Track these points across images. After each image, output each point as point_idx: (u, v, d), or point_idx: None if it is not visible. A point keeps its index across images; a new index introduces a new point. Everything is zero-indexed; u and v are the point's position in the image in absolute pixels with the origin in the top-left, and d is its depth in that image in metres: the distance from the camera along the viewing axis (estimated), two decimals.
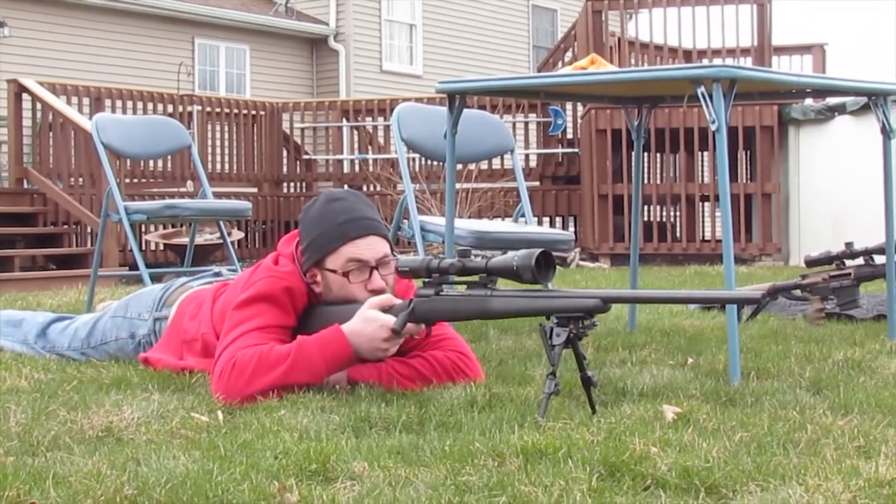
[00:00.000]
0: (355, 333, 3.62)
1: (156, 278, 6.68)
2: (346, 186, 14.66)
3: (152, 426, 3.16)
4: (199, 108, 14.92)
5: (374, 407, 3.36)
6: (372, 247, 3.80)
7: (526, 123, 14.78)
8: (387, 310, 3.67)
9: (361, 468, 2.69)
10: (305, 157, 15.85)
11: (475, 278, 3.57)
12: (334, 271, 3.77)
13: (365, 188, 14.53)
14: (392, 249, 3.87)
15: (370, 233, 3.81)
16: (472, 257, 3.58)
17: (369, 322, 3.62)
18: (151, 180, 14.28)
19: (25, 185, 13.14)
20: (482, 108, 11.17)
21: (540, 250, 3.36)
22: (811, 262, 5.87)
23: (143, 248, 13.15)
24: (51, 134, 13.02)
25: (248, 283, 3.81)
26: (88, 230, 12.58)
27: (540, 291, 3.45)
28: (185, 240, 11.83)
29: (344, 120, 15.19)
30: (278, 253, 3.92)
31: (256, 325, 3.70)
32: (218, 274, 4.66)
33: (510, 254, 3.41)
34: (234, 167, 15.27)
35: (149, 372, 3.94)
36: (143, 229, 13.15)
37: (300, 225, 3.91)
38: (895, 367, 4.17)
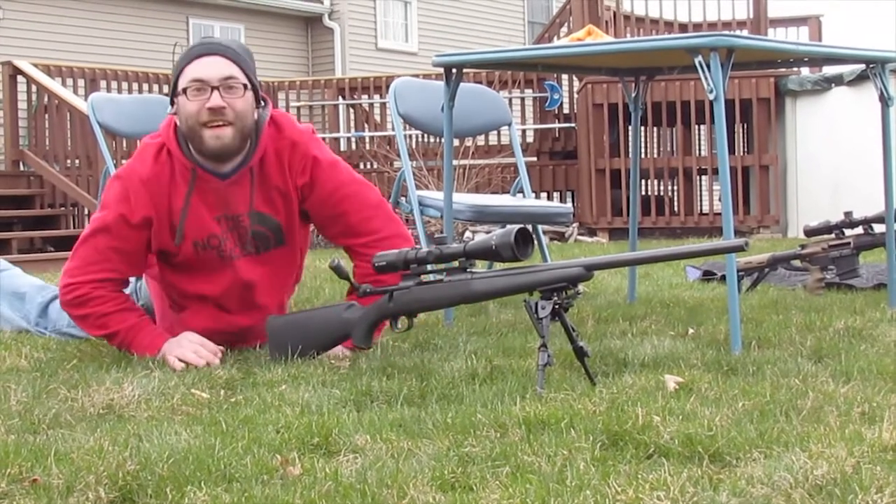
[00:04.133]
0: (174, 345, 3.84)
1: None
2: None
3: (153, 403, 3.16)
4: None
5: (376, 381, 3.36)
6: (214, 65, 3.86)
7: (522, 99, 14.74)
8: (352, 317, 3.78)
9: (364, 441, 2.69)
10: None
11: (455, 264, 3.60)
12: (182, 93, 3.85)
13: (362, 166, 14.51)
14: (248, 80, 3.88)
15: (214, 53, 3.87)
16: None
17: (191, 345, 3.82)
18: None
19: (22, 168, 13.12)
20: (478, 83, 11.15)
21: (518, 227, 3.39)
22: (810, 232, 5.86)
23: None
24: (46, 116, 12.99)
25: None
26: (86, 211, 12.56)
27: (521, 267, 3.46)
28: None
29: (340, 98, 15.15)
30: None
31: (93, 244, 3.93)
32: None
33: (487, 235, 3.43)
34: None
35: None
36: None
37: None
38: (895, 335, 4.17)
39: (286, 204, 4.01)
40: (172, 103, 3.91)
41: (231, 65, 3.86)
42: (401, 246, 3.80)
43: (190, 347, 3.78)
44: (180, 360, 3.72)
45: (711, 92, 3.99)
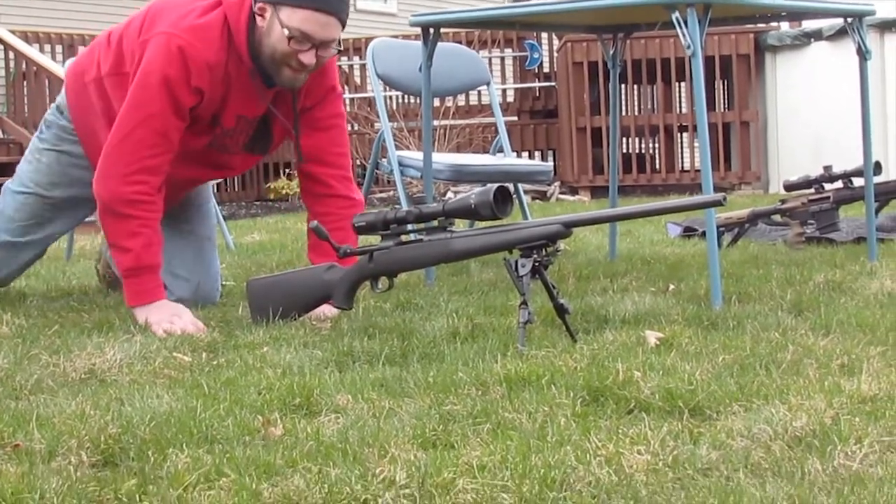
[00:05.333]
0: (154, 308, 3.84)
1: None
2: None
3: (135, 367, 3.16)
4: None
5: (357, 341, 3.37)
6: (327, 27, 3.80)
7: (502, 58, 14.70)
8: (332, 279, 3.77)
9: (345, 401, 2.70)
10: None
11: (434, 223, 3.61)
12: (282, 24, 3.77)
13: None
14: (340, 42, 3.89)
15: (334, 13, 3.81)
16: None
17: (180, 321, 3.78)
18: None
19: (1, 135, 13.06)
20: (457, 43, 11.13)
21: (497, 185, 3.41)
22: (790, 187, 5.87)
23: None
24: (25, 83, 12.93)
25: (145, 54, 3.86)
26: None
27: (500, 226, 3.48)
28: None
29: None
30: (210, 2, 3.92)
31: (144, 129, 3.83)
32: None
33: (466, 193, 3.44)
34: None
35: (131, 314, 3.92)
36: None
37: None
38: (875, 287, 4.19)
39: (288, 116, 4.04)
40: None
41: (338, 28, 3.84)
42: (354, 201, 4.07)
43: (179, 324, 3.74)
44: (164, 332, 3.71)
45: (689, 48, 3.99)
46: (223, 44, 3.84)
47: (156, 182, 3.87)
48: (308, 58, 3.79)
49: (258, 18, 3.82)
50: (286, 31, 3.75)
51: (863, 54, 4.91)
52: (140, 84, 3.84)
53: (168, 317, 3.77)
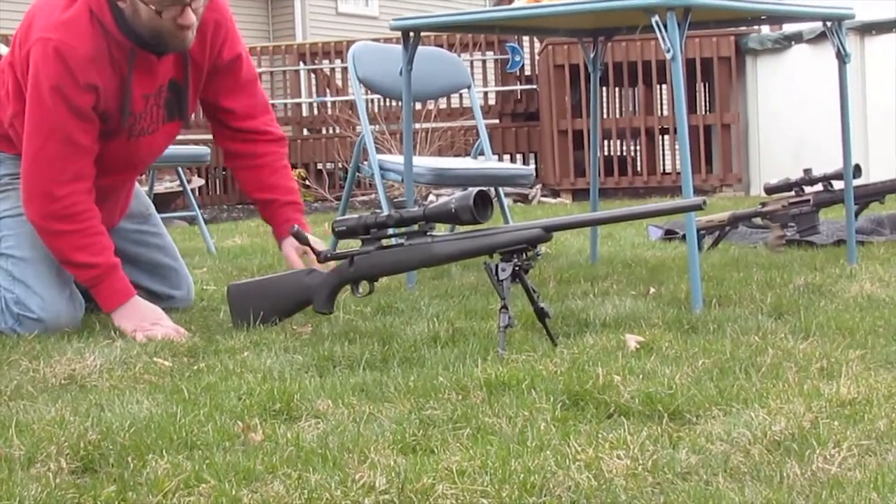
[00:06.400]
0: (132, 312, 3.82)
1: None
2: (304, 130, 14.60)
3: (115, 372, 3.15)
4: None
5: (338, 346, 3.37)
6: None
7: (483, 61, 14.70)
8: (313, 283, 3.77)
9: (325, 406, 2.70)
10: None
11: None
12: (145, 3, 3.68)
13: (324, 131, 14.46)
14: None
15: None
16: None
17: (155, 319, 3.80)
18: None
19: None
20: (439, 47, 11.13)
21: (477, 190, 3.41)
22: (771, 190, 5.89)
23: None
24: None
25: (30, 67, 3.75)
26: None
27: (481, 230, 3.48)
28: (144, 188, 11.74)
29: (301, 63, 15.08)
30: None
31: (52, 143, 3.75)
32: None
33: (447, 198, 3.45)
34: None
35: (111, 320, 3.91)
36: None
37: None
38: (855, 290, 4.20)
39: (196, 75, 4.01)
40: None
41: None
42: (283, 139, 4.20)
43: (161, 332, 3.71)
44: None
45: (669, 51, 4.00)
46: (97, 32, 3.74)
47: (82, 187, 3.81)
48: (186, 18, 3.70)
49: (119, 3, 3.72)
50: (153, 7, 3.67)
51: (842, 58, 4.93)
52: (33, 99, 3.74)
53: (148, 323, 3.76)
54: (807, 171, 5.75)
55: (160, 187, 11.59)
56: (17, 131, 3.87)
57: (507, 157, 13.71)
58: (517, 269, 3.33)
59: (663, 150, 13.57)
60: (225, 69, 4.05)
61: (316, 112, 14.98)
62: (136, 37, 3.77)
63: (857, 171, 5.30)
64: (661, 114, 12.90)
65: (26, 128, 3.78)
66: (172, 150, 7.18)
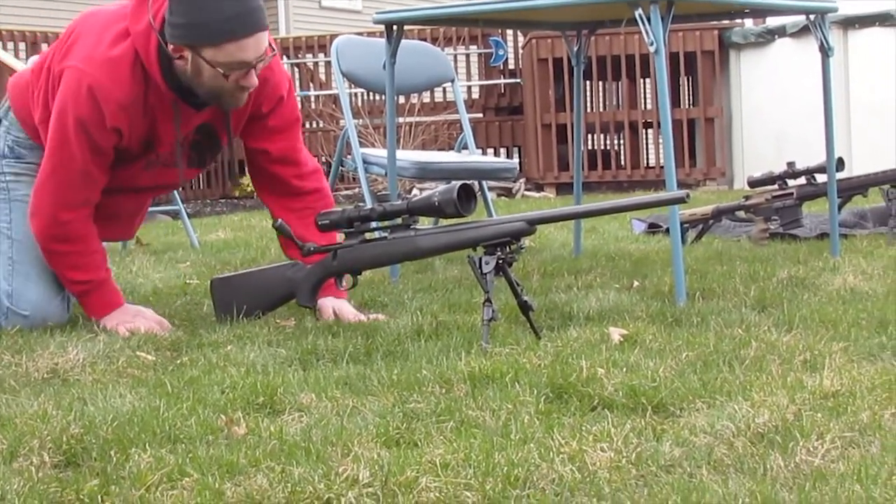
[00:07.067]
0: (127, 315, 3.78)
1: None
2: None
3: (98, 366, 3.15)
4: None
5: (321, 339, 3.37)
6: (257, 45, 3.61)
7: (467, 55, 14.69)
8: (296, 277, 3.76)
9: (309, 399, 2.70)
10: None
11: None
12: (211, 64, 3.59)
13: (308, 125, 14.44)
14: (271, 43, 3.70)
15: (256, 30, 3.60)
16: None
17: (146, 322, 3.75)
18: None
19: None
20: (423, 41, 11.11)
21: (460, 183, 3.41)
22: (754, 183, 5.89)
23: None
24: None
25: (60, 89, 3.72)
26: None
27: (464, 223, 3.48)
28: None
29: (284, 58, 15.06)
30: (123, 27, 3.71)
31: (66, 169, 3.73)
32: None
33: (430, 192, 3.45)
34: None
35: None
36: None
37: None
38: (838, 283, 4.20)
39: (233, 124, 3.92)
40: (172, 42, 3.60)
41: (266, 38, 3.67)
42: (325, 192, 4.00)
43: (144, 324, 3.71)
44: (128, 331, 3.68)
45: (652, 45, 4.00)
46: (137, 78, 3.67)
47: (85, 213, 3.82)
48: (250, 79, 3.65)
49: (178, 61, 3.63)
50: (220, 70, 3.59)
51: (825, 51, 4.94)
52: (57, 125, 3.71)
53: (130, 318, 3.75)
54: (790, 164, 5.76)
55: None
56: (44, 133, 3.84)
57: (490, 150, 13.71)
58: (501, 262, 3.33)
59: (647, 143, 13.58)
60: (268, 114, 3.97)
61: (300, 106, 14.95)
62: (179, 89, 3.72)
63: (841, 164, 5.32)
64: (645, 108, 12.90)
65: (47, 144, 3.77)
66: None
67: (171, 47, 3.61)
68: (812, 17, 4.89)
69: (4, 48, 13.01)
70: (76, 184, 3.76)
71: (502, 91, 14.46)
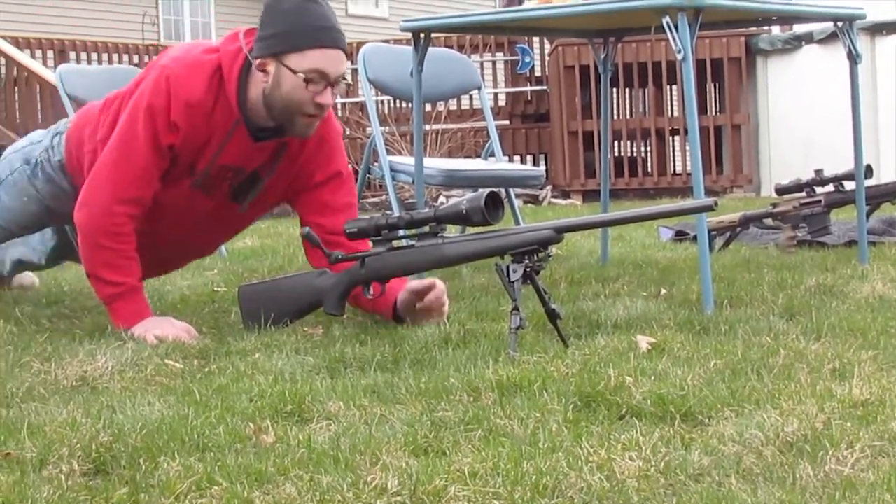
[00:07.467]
0: (154, 325, 3.76)
1: None
2: None
3: (127, 374, 3.15)
4: None
5: (349, 347, 3.37)
6: (339, 62, 3.76)
7: (494, 62, 14.71)
8: (324, 285, 3.75)
9: (337, 408, 2.70)
10: None
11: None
12: (294, 72, 3.69)
13: None
14: (347, 77, 3.83)
15: (341, 47, 3.77)
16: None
17: (173, 328, 3.74)
18: None
19: None
20: (449, 48, 11.12)
21: (488, 191, 3.41)
22: (782, 191, 5.88)
23: None
24: (16, 88, 12.91)
25: (136, 84, 3.84)
26: None
27: (491, 231, 3.48)
28: None
29: None
30: (214, 47, 3.86)
31: (128, 162, 3.78)
32: None
33: (457, 199, 3.45)
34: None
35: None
36: None
37: (265, 13, 3.79)
38: (867, 291, 4.19)
39: (282, 173, 3.95)
40: (260, 55, 3.72)
41: (346, 61, 3.82)
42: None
43: (171, 331, 3.72)
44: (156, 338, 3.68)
45: (680, 52, 3.99)
46: (210, 87, 3.76)
47: (135, 212, 3.83)
48: (326, 97, 3.72)
49: (260, 74, 3.73)
50: (301, 76, 3.67)
51: (853, 58, 4.92)
52: (130, 114, 3.79)
53: (158, 325, 3.75)
54: (818, 171, 5.75)
55: None
56: (89, 161, 3.92)
57: (517, 158, 13.71)
58: (528, 270, 3.33)
59: (674, 150, 13.56)
60: (322, 184, 3.98)
61: None
62: (247, 112, 3.79)
63: (869, 171, 5.30)
64: (672, 114, 12.90)
65: (112, 139, 3.83)
66: None
67: (257, 62, 3.73)
68: (840, 23, 4.87)
69: (32, 56, 13.08)
70: (135, 179, 3.80)
71: (529, 98, 14.47)
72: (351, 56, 14.71)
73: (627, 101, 13.41)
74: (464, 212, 3.42)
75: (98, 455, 2.34)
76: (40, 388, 3.00)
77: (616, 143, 13.19)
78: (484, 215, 3.38)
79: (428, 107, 11.57)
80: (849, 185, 5.60)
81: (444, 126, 12.61)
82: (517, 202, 6.32)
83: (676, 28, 3.99)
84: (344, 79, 3.82)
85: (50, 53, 13.56)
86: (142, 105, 3.77)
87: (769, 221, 5.93)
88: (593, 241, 6.33)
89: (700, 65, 11.74)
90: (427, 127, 11.70)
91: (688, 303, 4.06)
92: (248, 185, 3.97)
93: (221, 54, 3.80)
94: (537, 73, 14.55)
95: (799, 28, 11.49)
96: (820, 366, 2.98)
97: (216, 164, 3.86)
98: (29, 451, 2.37)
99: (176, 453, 2.33)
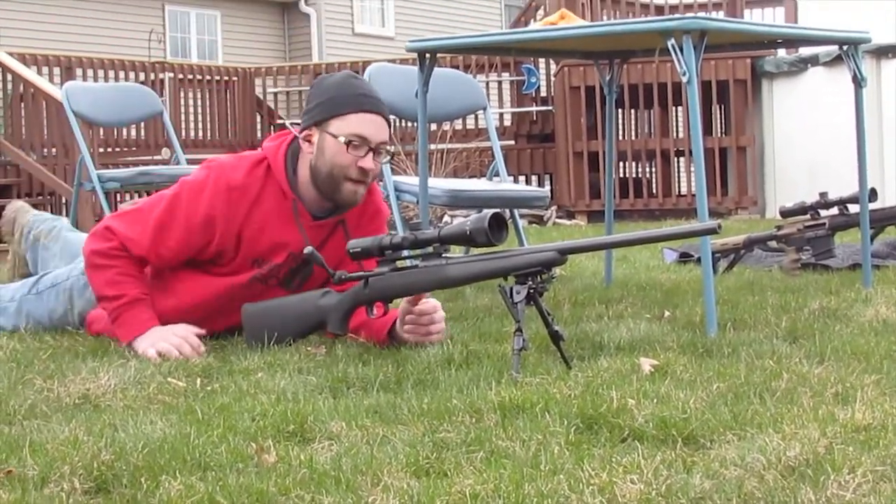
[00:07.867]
0: (157, 336, 3.79)
1: None
2: None
3: (129, 392, 3.15)
4: (171, 75, 14.85)
5: (352, 367, 3.37)
6: (379, 127, 3.86)
7: (499, 82, 14.73)
8: (327, 304, 3.77)
9: (339, 428, 2.69)
10: (279, 121, 15.79)
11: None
12: (335, 136, 3.80)
13: None
14: (391, 140, 3.94)
15: (380, 112, 3.87)
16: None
17: (175, 338, 3.78)
18: (125, 149, 14.21)
19: None
20: (455, 68, 11.13)
21: (492, 212, 3.41)
22: (786, 213, 5.88)
23: None
24: (22, 105, 12.92)
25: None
26: (63, 200, 12.50)
27: (495, 252, 3.48)
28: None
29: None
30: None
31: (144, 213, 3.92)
32: None
33: (462, 220, 3.45)
34: (208, 134, 15.24)
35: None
36: (118, 198, 13.07)
37: (311, 90, 3.98)
38: (870, 314, 4.19)
39: (338, 255, 3.95)
40: (305, 128, 3.87)
41: (387, 129, 3.91)
42: None
43: (174, 342, 3.74)
44: (158, 354, 3.69)
45: (685, 74, 4.00)
46: (256, 174, 3.88)
47: (132, 253, 3.91)
48: (368, 162, 3.80)
49: (305, 145, 3.86)
50: (342, 139, 3.78)
51: (858, 81, 4.93)
52: (171, 192, 3.94)
53: (162, 336, 3.76)
54: (822, 194, 5.75)
55: None
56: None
57: (522, 178, 13.73)
58: (532, 291, 3.33)
59: (678, 172, 13.57)
60: None
61: None
62: (300, 191, 3.91)
63: (873, 194, 5.30)
64: (677, 136, 12.91)
65: (148, 201, 3.99)
66: (188, 170, 7.22)
67: (302, 134, 3.87)
68: (845, 47, 4.88)
69: (39, 73, 13.10)
70: (146, 235, 3.89)
71: (534, 118, 14.48)
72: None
73: (633, 123, 13.42)
74: (468, 232, 3.42)
75: (100, 473, 2.34)
76: (43, 406, 3.00)
77: (621, 163, 13.21)
78: (488, 236, 3.38)
79: (433, 126, 11.58)
80: (853, 209, 5.61)
81: (450, 146, 12.63)
82: (522, 222, 6.32)
83: (681, 50, 4.00)
84: (387, 148, 3.89)
85: (56, 70, 13.58)
86: (182, 190, 3.91)
87: (773, 244, 5.93)
88: (597, 263, 6.33)
89: (705, 86, 11.76)
90: (432, 146, 11.72)
91: (691, 325, 4.06)
92: (299, 269, 4.02)
93: (264, 148, 3.95)
94: (543, 94, 14.57)
95: (804, 51, 11.51)
96: (823, 390, 2.97)
97: (284, 252, 3.94)
98: (30, 469, 2.37)
99: (177, 472, 2.33)
